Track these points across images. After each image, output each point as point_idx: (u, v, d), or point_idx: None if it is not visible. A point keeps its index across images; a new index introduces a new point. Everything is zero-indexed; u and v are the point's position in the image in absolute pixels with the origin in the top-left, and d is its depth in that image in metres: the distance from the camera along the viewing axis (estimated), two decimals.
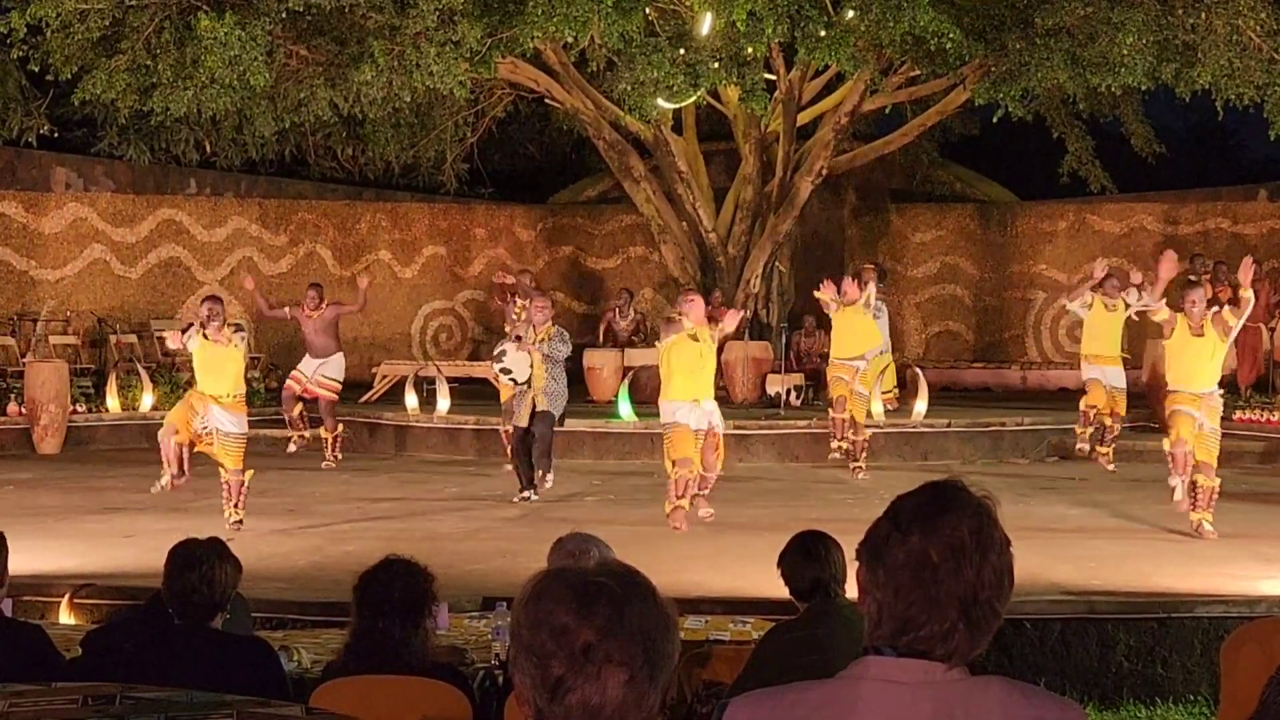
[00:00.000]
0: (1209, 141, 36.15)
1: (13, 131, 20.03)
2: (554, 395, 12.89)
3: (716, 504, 11.72)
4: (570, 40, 15.92)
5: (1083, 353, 14.83)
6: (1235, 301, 11.12)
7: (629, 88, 15.73)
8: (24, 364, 18.45)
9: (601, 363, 18.73)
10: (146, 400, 18.29)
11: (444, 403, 17.26)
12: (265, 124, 16.73)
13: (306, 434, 15.61)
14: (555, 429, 13.20)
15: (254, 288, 16.10)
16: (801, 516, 11.02)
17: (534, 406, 12.85)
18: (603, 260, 25.45)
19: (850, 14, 15.53)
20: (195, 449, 11.48)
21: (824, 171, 19.71)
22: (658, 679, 2.04)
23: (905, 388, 18.18)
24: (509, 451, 14.73)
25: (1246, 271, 10.63)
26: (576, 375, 16.10)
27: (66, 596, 8.69)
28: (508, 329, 13.70)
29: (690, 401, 11.11)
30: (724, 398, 15.12)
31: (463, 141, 22.47)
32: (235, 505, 11.33)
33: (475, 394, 18.25)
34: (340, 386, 15.66)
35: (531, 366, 12.77)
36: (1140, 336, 17.08)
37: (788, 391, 17.57)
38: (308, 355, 15.76)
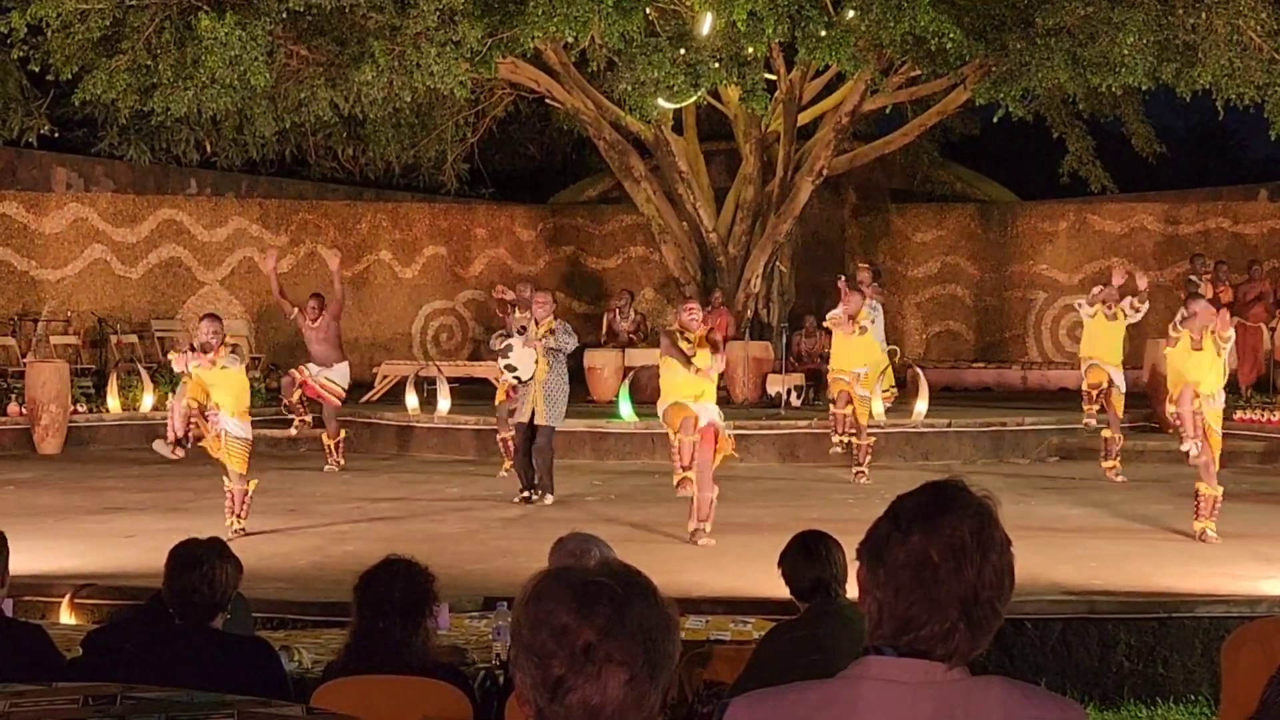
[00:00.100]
0: (1209, 141, 36.16)
1: (13, 131, 20.03)
2: (554, 395, 12.83)
3: (716, 503, 11.66)
4: (571, 40, 15.92)
5: (1082, 355, 14.87)
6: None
7: (629, 88, 15.73)
8: (25, 364, 18.45)
9: (602, 363, 18.74)
10: (147, 400, 18.30)
11: (444, 403, 17.26)
12: (266, 124, 16.73)
13: (307, 418, 15.51)
14: (567, 429, 13.21)
15: (274, 267, 15.44)
16: (802, 516, 11.02)
17: (533, 413, 12.80)
18: (603, 260, 25.46)
19: (851, 14, 15.53)
20: (200, 442, 11.40)
21: (824, 171, 19.71)
22: (658, 679, 2.04)
23: (905, 387, 18.18)
24: (506, 455, 14.75)
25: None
26: (577, 375, 16.09)
27: (67, 597, 8.69)
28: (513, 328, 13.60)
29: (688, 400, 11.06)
30: (724, 398, 15.10)
31: (463, 141, 22.47)
32: (238, 515, 11.29)
33: (476, 394, 18.24)
34: (344, 393, 15.57)
35: (536, 363, 12.74)
36: (1140, 336, 17.09)
37: (788, 391, 17.57)
38: (311, 363, 15.67)
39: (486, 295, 22.55)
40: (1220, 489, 10.86)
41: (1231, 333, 11.20)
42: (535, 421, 12.80)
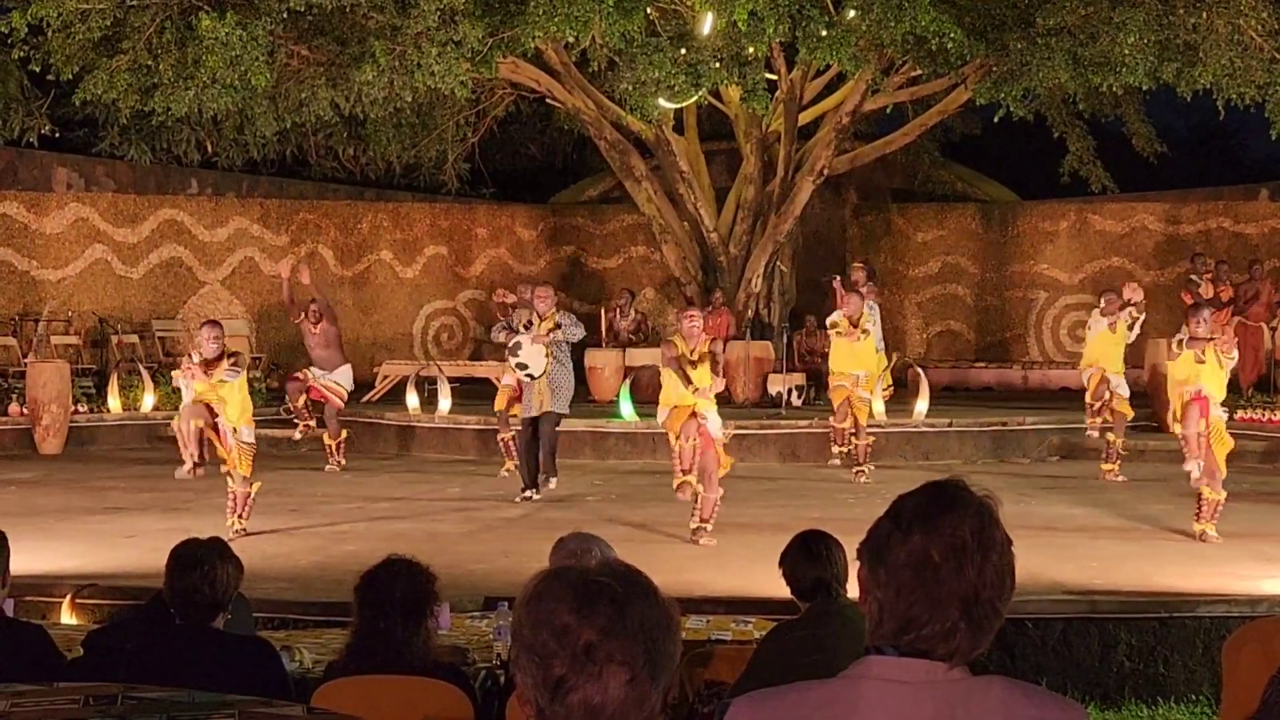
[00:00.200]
0: (1210, 141, 36.16)
1: (14, 132, 20.04)
2: (559, 386, 12.89)
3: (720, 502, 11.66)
4: (571, 40, 15.91)
5: (1084, 364, 14.90)
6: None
7: (630, 87, 15.72)
8: (26, 364, 18.45)
9: (603, 363, 18.74)
10: (148, 400, 18.31)
11: (445, 403, 17.26)
12: (266, 124, 16.73)
13: (311, 422, 15.55)
14: (560, 425, 13.23)
15: (289, 276, 15.03)
16: (803, 516, 11.03)
17: (540, 403, 12.87)
18: (604, 260, 25.46)
19: (851, 14, 15.53)
20: (210, 443, 11.37)
21: (825, 171, 19.71)
22: (659, 679, 2.04)
23: (906, 387, 18.19)
24: (507, 455, 14.77)
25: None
26: (578, 375, 16.11)
27: (68, 597, 8.70)
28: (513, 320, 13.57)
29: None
30: (725, 398, 15.11)
31: (464, 141, 22.47)
32: (240, 515, 11.26)
33: (477, 394, 18.24)
34: (346, 393, 15.59)
35: (546, 359, 12.77)
36: (1141, 336, 17.07)
37: (789, 391, 17.58)
38: (313, 367, 15.69)
39: (487, 295, 22.54)
40: (1224, 494, 10.86)
41: (1235, 354, 11.18)
42: (541, 409, 12.83)
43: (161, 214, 21.86)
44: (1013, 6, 16.13)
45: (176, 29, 14.68)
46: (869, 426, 14.73)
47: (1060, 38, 15.46)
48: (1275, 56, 15.38)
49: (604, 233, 25.50)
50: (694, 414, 10.95)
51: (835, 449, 14.65)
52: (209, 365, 10.99)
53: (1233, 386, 14.60)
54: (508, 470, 14.67)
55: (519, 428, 13.63)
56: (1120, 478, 14.29)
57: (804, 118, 20.27)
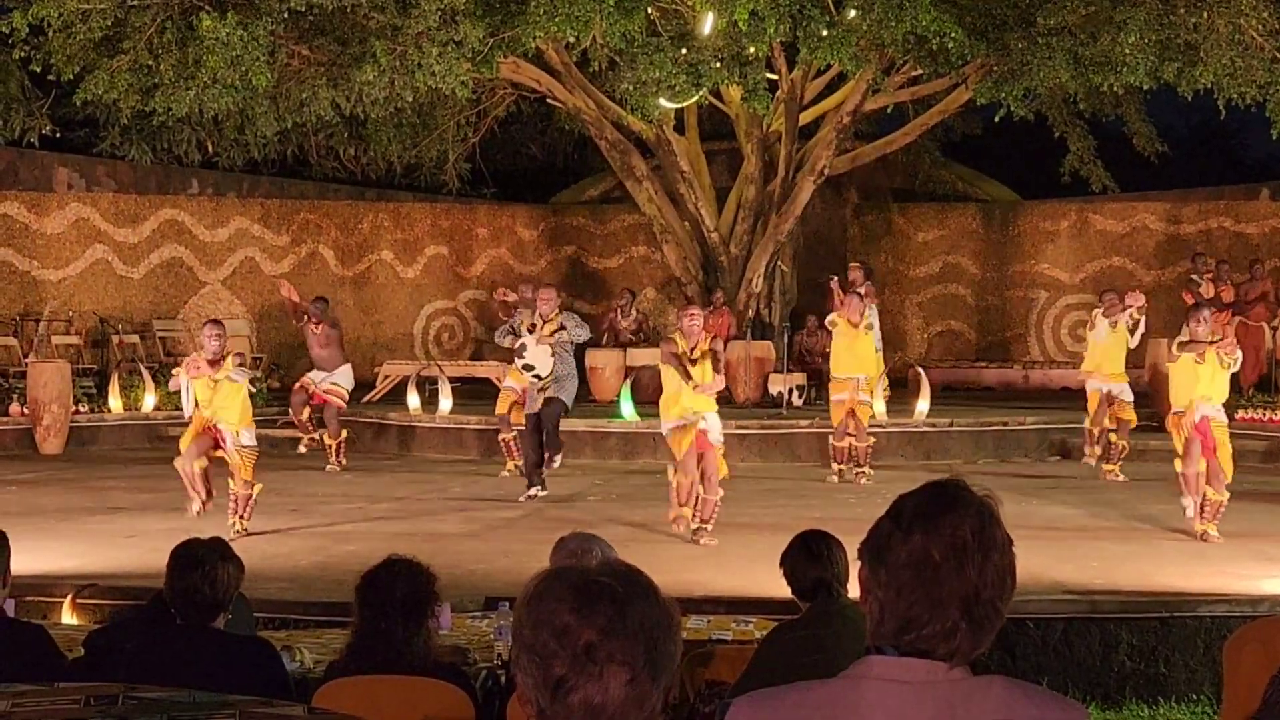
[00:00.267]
0: (1211, 141, 36.14)
1: (15, 132, 20.04)
2: (564, 380, 12.91)
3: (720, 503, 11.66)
4: (572, 40, 15.91)
5: (1085, 368, 14.87)
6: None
7: (631, 87, 15.72)
8: (26, 364, 18.46)
9: (604, 363, 18.74)
10: (149, 400, 18.31)
11: (446, 403, 17.26)
12: (267, 124, 16.72)
13: (316, 435, 15.61)
14: (563, 415, 13.27)
15: (288, 295, 15.52)
16: (804, 516, 11.03)
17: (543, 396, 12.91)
18: (605, 260, 25.46)
19: (852, 13, 15.53)
20: (215, 455, 11.36)
21: (826, 171, 19.71)
22: (660, 679, 2.04)
23: (907, 387, 18.19)
24: (508, 456, 14.79)
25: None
26: (579, 375, 16.12)
27: (69, 597, 8.70)
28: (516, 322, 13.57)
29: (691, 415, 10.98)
30: (726, 398, 15.11)
31: (465, 141, 22.47)
32: (241, 516, 11.26)
33: (477, 394, 18.25)
34: (347, 393, 15.63)
35: (552, 359, 12.78)
36: (1142, 337, 17.07)
37: (790, 391, 17.57)
38: (315, 369, 15.72)
39: (488, 295, 22.56)
40: (1226, 495, 10.86)
41: (1239, 355, 11.17)
42: (544, 396, 12.85)
43: (162, 214, 21.87)
44: (1013, 6, 16.13)
45: (177, 29, 14.68)
46: (870, 428, 14.72)
47: (1061, 37, 15.45)
48: (1276, 56, 15.37)
49: (605, 233, 25.50)
50: (698, 435, 10.89)
51: (835, 466, 14.59)
52: (212, 364, 11.02)
53: (1234, 386, 14.62)
54: (508, 471, 14.68)
55: (520, 428, 13.66)
56: (1121, 477, 14.30)
57: (805, 117, 20.27)
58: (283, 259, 23.01)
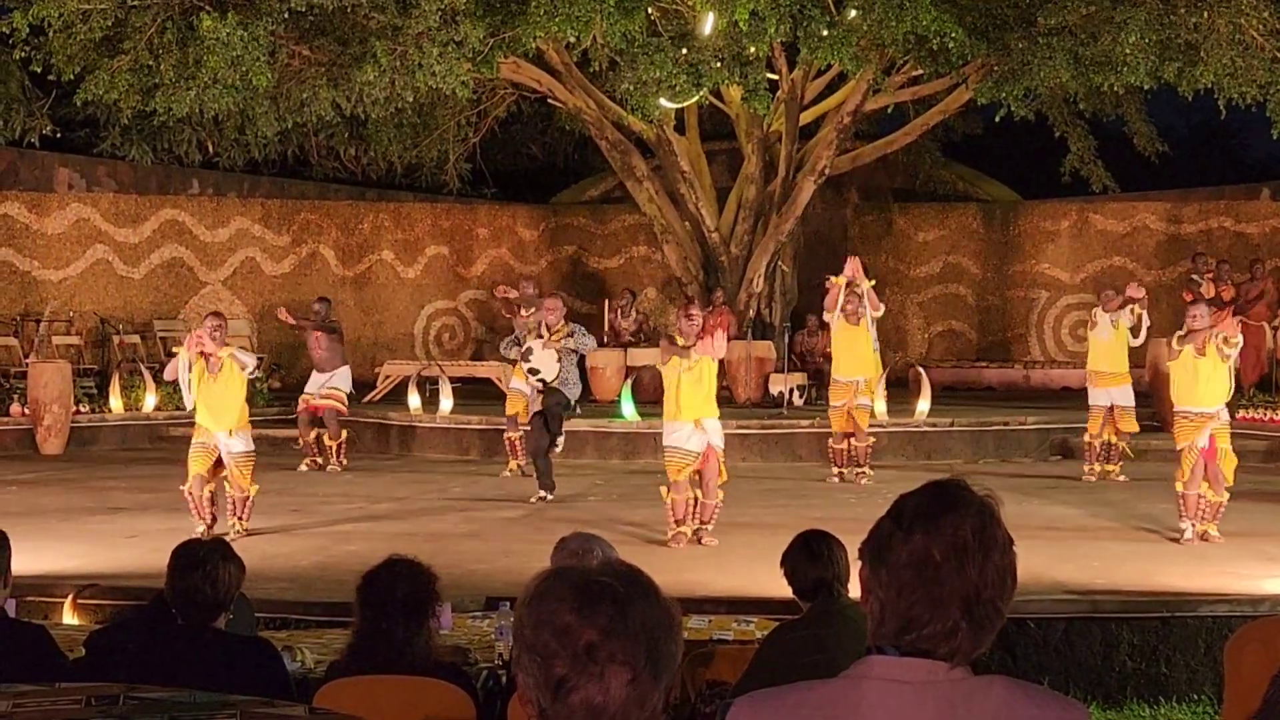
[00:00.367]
0: (1212, 141, 36.12)
1: (15, 132, 20.03)
2: (566, 381, 12.92)
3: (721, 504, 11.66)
4: (572, 40, 15.91)
5: (1090, 368, 14.80)
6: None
7: (631, 87, 15.72)
8: (27, 364, 18.46)
9: (604, 363, 18.74)
10: (149, 401, 18.32)
11: (447, 403, 17.27)
12: (268, 124, 16.72)
13: (319, 459, 15.62)
14: (568, 422, 13.31)
15: (285, 317, 15.96)
16: (804, 516, 11.03)
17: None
18: (605, 260, 25.46)
19: (852, 13, 15.53)
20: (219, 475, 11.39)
21: (827, 171, 19.71)
22: (661, 679, 2.04)
23: (908, 387, 18.19)
24: (512, 454, 14.81)
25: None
26: (580, 375, 16.14)
27: (70, 597, 8.70)
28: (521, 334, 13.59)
29: (692, 423, 10.94)
30: (727, 398, 15.11)
31: (465, 141, 22.47)
32: (240, 518, 11.27)
33: (478, 394, 18.26)
34: (345, 397, 15.66)
35: (558, 364, 12.79)
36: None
37: (790, 391, 17.57)
38: (314, 371, 15.75)
39: (489, 295, 22.57)
40: (1226, 495, 10.86)
41: (1240, 338, 11.19)
42: (547, 387, 12.87)
43: (163, 214, 21.87)
44: (1014, 6, 16.12)
45: (178, 29, 14.68)
46: (870, 428, 14.71)
47: (1061, 37, 15.45)
48: (1276, 56, 15.36)
49: (605, 233, 25.50)
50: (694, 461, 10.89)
51: (834, 469, 14.58)
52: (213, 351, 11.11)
53: (1235, 386, 14.61)
54: (509, 471, 14.69)
55: (526, 428, 13.69)
56: (1121, 477, 14.30)
57: (805, 117, 20.27)
58: (283, 259, 23.01)
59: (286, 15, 14.24)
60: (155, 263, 21.76)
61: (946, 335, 24.94)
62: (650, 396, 16.48)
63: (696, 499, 10.93)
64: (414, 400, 17.44)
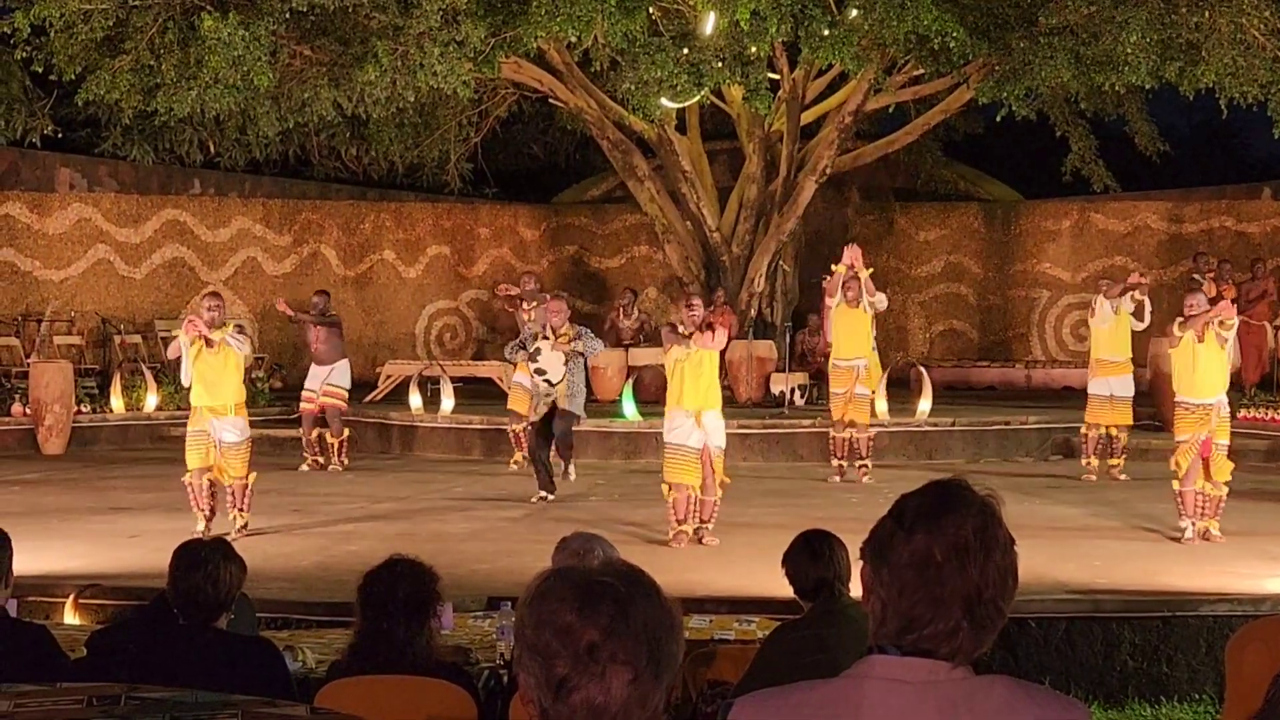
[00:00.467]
0: (1213, 140, 36.08)
1: (17, 132, 20.04)
2: (575, 390, 12.91)
3: (720, 503, 11.64)
4: (574, 40, 15.91)
5: (1092, 357, 14.78)
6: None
7: (633, 87, 15.72)
8: (28, 364, 18.47)
9: (606, 363, 18.71)
10: (151, 400, 18.32)
11: (448, 402, 17.27)
12: (269, 124, 16.72)
13: (321, 459, 15.61)
14: (575, 428, 13.29)
15: (284, 308, 15.88)
16: (806, 516, 11.01)
17: (554, 405, 12.86)
18: (606, 260, 25.46)
19: (854, 13, 15.53)
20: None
21: (828, 170, 19.71)
22: (662, 678, 2.04)
23: (909, 387, 18.18)
24: (517, 446, 14.81)
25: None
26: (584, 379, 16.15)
27: (71, 597, 8.70)
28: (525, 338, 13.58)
29: (692, 416, 10.92)
30: (728, 397, 15.10)
31: (466, 141, 22.47)
32: (240, 509, 11.29)
33: (480, 394, 18.26)
34: (346, 394, 15.67)
35: (564, 367, 12.77)
36: (1144, 334, 17.06)
37: (792, 391, 17.57)
38: (313, 365, 15.74)
39: (490, 295, 22.58)
40: (1225, 490, 10.86)
41: (1235, 320, 11.25)
42: (558, 406, 12.84)
43: (164, 214, 21.88)
44: (1015, 5, 16.11)
45: (179, 29, 14.68)
46: (871, 427, 14.70)
47: (1063, 37, 15.44)
48: (1278, 55, 15.36)
49: (606, 232, 25.50)
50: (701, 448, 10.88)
51: (835, 461, 14.58)
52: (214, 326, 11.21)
53: (1236, 386, 14.62)
54: (515, 463, 14.67)
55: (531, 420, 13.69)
56: (1124, 476, 14.30)
57: (806, 117, 20.26)
58: (284, 259, 23.02)
59: (288, 15, 14.24)
60: (156, 263, 21.77)
61: (948, 335, 24.95)
62: (652, 396, 16.48)
63: (697, 498, 10.93)
64: (415, 400, 17.44)
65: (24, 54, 15.16)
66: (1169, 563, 9.89)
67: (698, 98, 16.88)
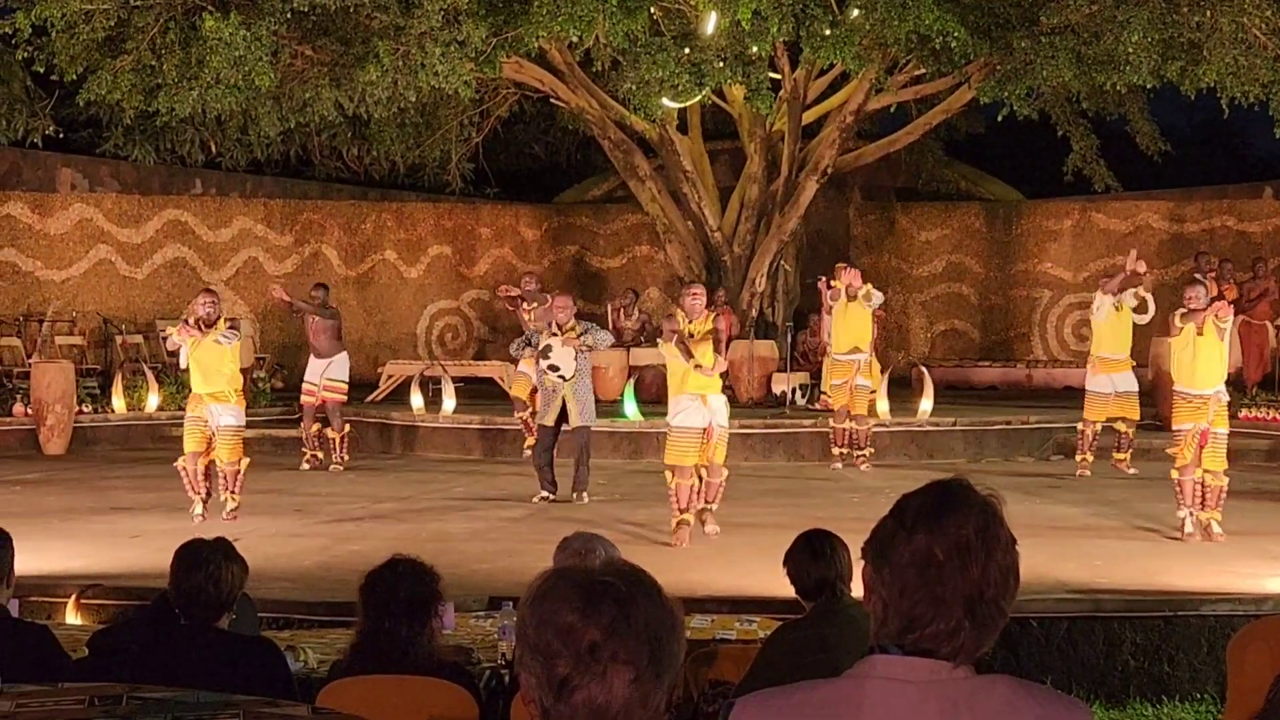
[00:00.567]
0: (1214, 139, 36.04)
1: (18, 132, 20.05)
2: (583, 395, 12.85)
3: (721, 502, 11.65)
4: (575, 40, 15.93)
5: (1094, 353, 14.75)
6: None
7: (634, 87, 15.73)
8: (30, 364, 18.47)
9: (607, 362, 18.71)
10: (152, 400, 18.31)
11: (450, 402, 17.27)
12: (270, 124, 16.73)
13: (320, 454, 15.61)
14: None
15: (280, 294, 15.71)
16: (807, 515, 11.00)
17: (563, 407, 12.79)
18: (608, 260, 25.46)
19: (855, 13, 15.53)
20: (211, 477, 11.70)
21: (829, 170, 19.71)
22: (663, 678, 2.04)
23: (910, 386, 18.18)
24: (529, 432, 14.76)
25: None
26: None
27: (73, 597, 8.70)
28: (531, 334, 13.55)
29: (698, 398, 10.95)
30: (730, 397, 15.08)
31: (468, 141, 22.48)
32: (232, 492, 11.60)
33: (481, 394, 18.26)
34: (346, 387, 15.69)
35: (575, 361, 12.75)
36: (1145, 334, 17.06)
37: (793, 390, 17.57)
38: (312, 357, 15.74)
39: (491, 295, 22.57)
40: (1226, 479, 10.85)
41: (1231, 317, 11.28)
42: (570, 423, 12.79)
43: (165, 214, 21.89)
44: (1016, 5, 16.12)
45: (180, 29, 14.70)
46: (872, 426, 14.71)
47: (1064, 36, 15.45)
48: (1279, 54, 15.36)
49: (608, 232, 25.50)
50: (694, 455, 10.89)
51: (835, 450, 14.61)
52: (204, 327, 11.48)
53: (1238, 385, 14.62)
54: (529, 447, 14.60)
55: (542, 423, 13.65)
56: (1132, 470, 14.29)
57: (808, 117, 20.27)
58: (286, 259, 23.03)
59: (289, 15, 14.26)
60: (158, 263, 21.78)
61: (949, 334, 24.94)
62: (653, 396, 16.48)
63: (701, 479, 10.95)
64: (417, 400, 17.44)
65: (25, 54, 15.18)
66: (1170, 562, 9.88)
67: (699, 97, 16.89)
